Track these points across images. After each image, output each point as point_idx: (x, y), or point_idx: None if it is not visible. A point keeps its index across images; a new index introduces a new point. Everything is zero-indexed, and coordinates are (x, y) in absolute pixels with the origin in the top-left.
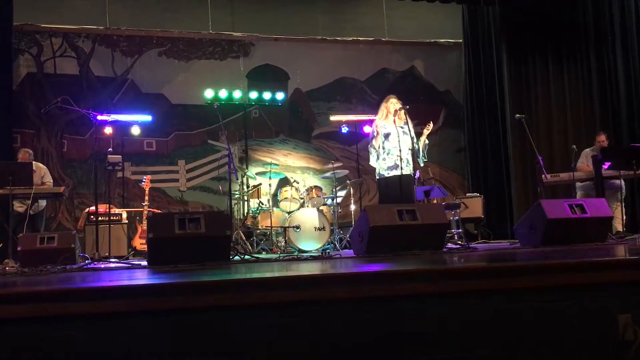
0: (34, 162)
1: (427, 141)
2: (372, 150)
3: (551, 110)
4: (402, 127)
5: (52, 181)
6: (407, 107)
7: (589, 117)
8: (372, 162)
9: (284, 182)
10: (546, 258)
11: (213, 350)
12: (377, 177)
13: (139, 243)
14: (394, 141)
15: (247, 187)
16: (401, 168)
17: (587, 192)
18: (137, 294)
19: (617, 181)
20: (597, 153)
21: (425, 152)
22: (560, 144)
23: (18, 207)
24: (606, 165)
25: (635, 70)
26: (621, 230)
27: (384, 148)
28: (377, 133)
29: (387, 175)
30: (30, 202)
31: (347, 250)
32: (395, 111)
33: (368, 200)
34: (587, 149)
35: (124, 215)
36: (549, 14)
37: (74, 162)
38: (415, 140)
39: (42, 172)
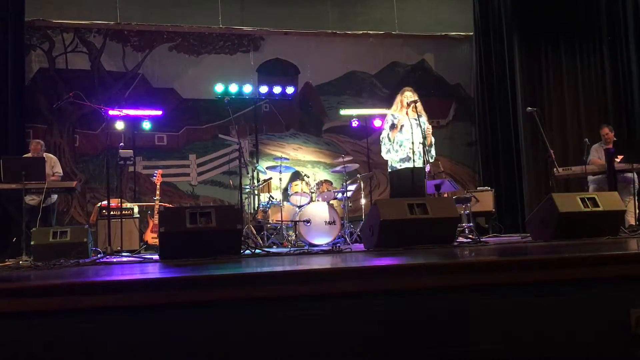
0: (45, 154)
1: (432, 139)
2: (385, 141)
3: (564, 102)
4: (415, 120)
5: (62, 172)
6: (416, 100)
7: (602, 109)
8: (383, 153)
9: (295, 176)
10: (558, 252)
11: (223, 343)
12: (389, 170)
13: (151, 237)
14: (406, 133)
15: (258, 181)
16: (413, 161)
17: (600, 186)
18: (149, 287)
19: (630, 174)
20: (605, 147)
21: (432, 151)
22: (573, 137)
23: (30, 200)
24: (619, 158)
25: None
26: (634, 223)
27: (396, 140)
28: (394, 126)
29: (399, 168)
30: (42, 196)
31: (357, 244)
32: (408, 104)
33: (378, 194)
34: (596, 144)
35: (136, 209)
36: (561, 5)
37: (85, 156)
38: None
39: (52, 162)
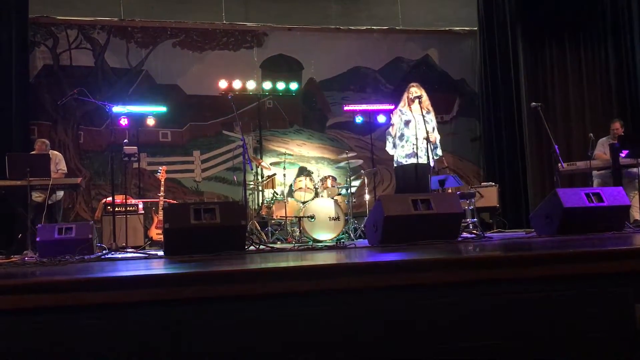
0: (50, 151)
1: (438, 137)
2: (388, 137)
3: (568, 97)
4: (421, 116)
5: (66, 169)
6: (420, 96)
7: (607, 104)
8: (388, 148)
9: (299, 172)
10: (562, 247)
11: (229, 340)
12: (395, 165)
13: (155, 233)
14: (412, 129)
15: (262, 177)
16: (418, 156)
17: (605, 181)
18: (154, 283)
19: (635, 169)
20: (612, 141)
21: (438, 150)
22: (578, 132)
23: (37, 197)
24: (624, 153)
25: None
26: (639, 218)
27: (403, 135)
28: (393, 123)
29: (405, 163)
30: (48, 192)
31: (361, 240)
32: (412, 99)
33: (382, 190)
34: (603, 138)
35: (140, 205)
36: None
37: (90, 153)
38: (435, 129)
39: (56, 159)
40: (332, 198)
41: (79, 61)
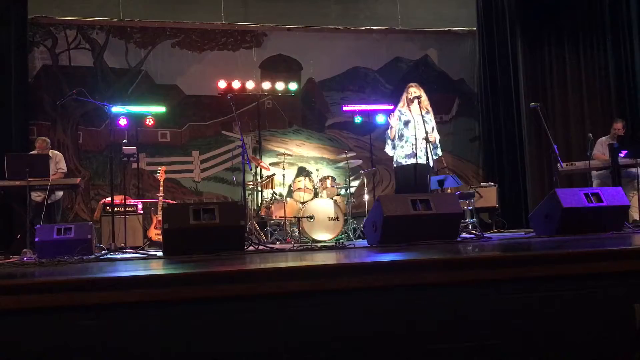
0: (50, 150)
1: (437, 137)
2: (387, 140)
3: (567, 97)
4: (420, 116)
5: (66, 169)
6: (419, 96)
7: (606, 104)
8: (387, 150)
9: (298, 172)
10: (561, 247)
11: (228, 340)
12: (395, 165)
13: (154, 234)
14: (411, 129)
15: (261, 177)
16: (417, 157)
17: (604, 181)
18: (153, 284)
19: (634, 170)
20: (613, 141)
21: (438, 150)
22: (577, 132)
23: (36, 196)
24: (623, 153)
25: None
26: (638, 219)
27: (402, 135)
28: (391, 126)
29: (405, 164)
30: (47, 192)
31: (360, 240)
32: (411, 100)
33: (381, 190)
34: (603, 138)
35: (140, 206)
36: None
37: (89, 153)
38: (434, 129)
39: (57, 159)
40: (332, 198)
41: (78, 61)
